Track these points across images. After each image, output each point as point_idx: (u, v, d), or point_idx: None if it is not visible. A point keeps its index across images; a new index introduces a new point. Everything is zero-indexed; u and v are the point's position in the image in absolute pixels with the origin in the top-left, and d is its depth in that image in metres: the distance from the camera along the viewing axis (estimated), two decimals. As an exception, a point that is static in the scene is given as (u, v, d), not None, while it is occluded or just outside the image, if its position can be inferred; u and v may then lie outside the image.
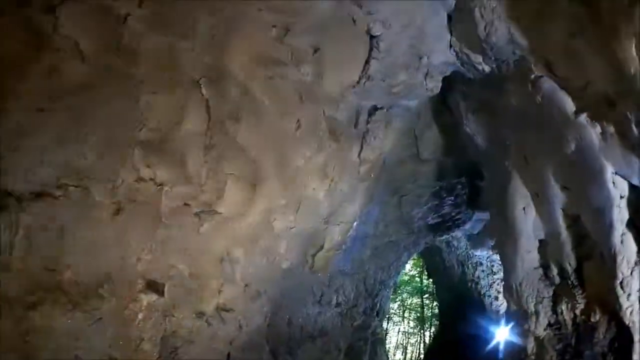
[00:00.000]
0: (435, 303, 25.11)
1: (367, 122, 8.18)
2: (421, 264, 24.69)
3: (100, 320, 4.64)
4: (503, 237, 8.66)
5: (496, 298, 15.98)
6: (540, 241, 7.50)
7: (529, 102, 6.97)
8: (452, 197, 12.25)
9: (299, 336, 9.97)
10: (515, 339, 8.65)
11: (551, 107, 6.59)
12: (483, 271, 16.55)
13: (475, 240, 15.01)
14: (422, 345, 27.02)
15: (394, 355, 27.32)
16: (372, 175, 8.89)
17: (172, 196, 5.23)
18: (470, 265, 17.09)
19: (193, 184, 5.43)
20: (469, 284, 17.27)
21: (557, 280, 7.27)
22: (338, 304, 11.40)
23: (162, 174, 5.13)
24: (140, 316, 5.19)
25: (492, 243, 13.78)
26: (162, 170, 5.11)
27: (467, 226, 13.95)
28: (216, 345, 6.56)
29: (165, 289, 5.49)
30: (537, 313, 7.58)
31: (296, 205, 7.50)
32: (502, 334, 10.54)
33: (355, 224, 9.28)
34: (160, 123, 4.97)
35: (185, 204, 5.42)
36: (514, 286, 8.18)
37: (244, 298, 7.05)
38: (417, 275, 26.62)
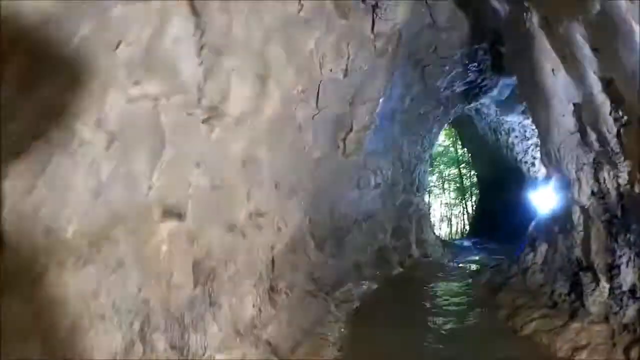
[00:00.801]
0: (472, 172, 25.44)
1: (375, -6, 7.84)
2: (454, 134, 24.81)
3: (120, 267, 4.07)
4: (534, 101, 8.17)
5: (533, 164, 15.71)
6: (575, 105, 7.05)
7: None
8: (475, 64, 11.97)
9: (344, 224, 9.92)
10: (558, 207, 8.42)
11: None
12: (516, 137, 16.31)
13: (505, 106, 14.79)
14: (465, 216, 27.49)
15: (440, 228, 27.32)
16: (390, 50, 8.62)
17: (171, 109, 4.56)
18: (502, 132, 16.96)
19: (191, 90, 4.79)
20: (504, 151, 17.09)
21: (596, 146, 6.68)
22: (377, 185, 11.32)
23: (154, 87, 4.35)
24: (164, 249, 4.68)
25: (522, 108, 13.68)
26: (153, 84, 4.33)
27: (495, 92, 13.71)
28: (256, 256, 6.17)
29: (187, 210, 4.98)
30: (579, 180, 7.18)
31: (315, 90, 7.16)
32: (544, 201, 10.14)
33: (380, 100, 9.19)
34: (139, 34, 4.15)
35: (188, 114, 4.82)
36: (552, 152, 7.75)
37: (277, 198, 6.66)
38: (451, 145, 26.79)
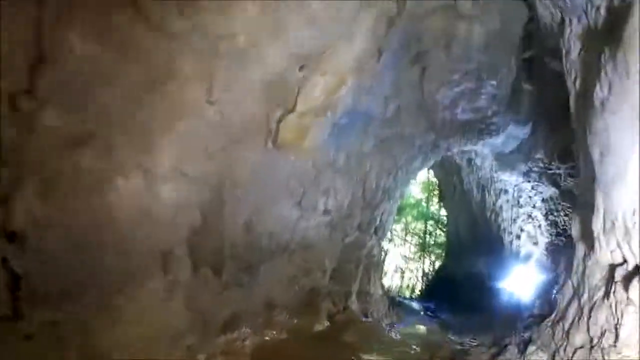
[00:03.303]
0: (438, 232, 25.74)
1: None
2: (430, 187, 24.28)
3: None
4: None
5: (518, 237, 13.44)
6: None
7: None
8: (495, 82, 9.65)
9: (265, 246, 7.74)
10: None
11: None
12: (507, 201, 13.94)
13: (505, 161, 12.79)
14: (421, 272, 26.53)
15: (392, 279, 26.48)
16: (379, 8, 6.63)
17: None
18: (492, 192, 14.70)
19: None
20: (488, 215, 15.01)
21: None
22: (327, 211, 9.17)
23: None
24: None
25: (525, 169, 11.86)
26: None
27: (499, 140, 11.65)
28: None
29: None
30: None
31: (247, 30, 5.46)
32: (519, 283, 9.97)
33: (350, 82, 7.14)
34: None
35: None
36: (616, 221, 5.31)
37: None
38: (423, 200, 26.11)
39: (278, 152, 6.93)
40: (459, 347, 8.81)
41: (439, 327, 11.77)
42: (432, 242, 26.36)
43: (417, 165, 11.77)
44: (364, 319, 10.19)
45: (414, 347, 8.86)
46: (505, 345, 7.23)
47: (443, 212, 24.12)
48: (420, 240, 27.09)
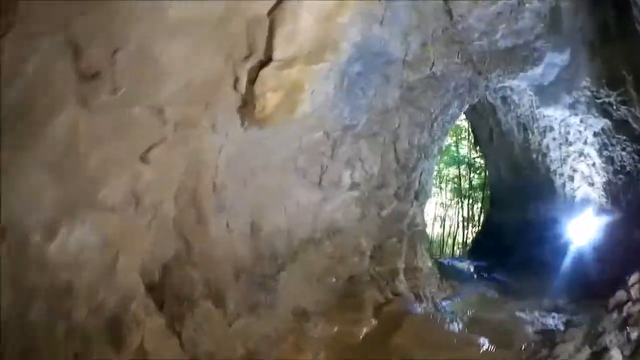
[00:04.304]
0: (473, 175, 25.55)
1: None
2: (458, 129, 23.88)
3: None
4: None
5: (571, 178, 12.10)
6: None
7: None
8: (535, 4, 8.17)
9: (283, 248, 6.59)
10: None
11: None
12: (554, 139, 12.48)
13: (547, 94, 11.39)
14: (460, 217, 26.37)
15: (432, 229, 25.95)
16: None
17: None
18: (536, 131, 13.19)
19: None
20: (534, 156, 13.67)
21: None
22: (354, 185, 7.94)
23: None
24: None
25: (570, 100, 10.51)
26: None
27: (539, 70, 10.16)
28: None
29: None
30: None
31: None
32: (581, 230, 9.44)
33: (355, 4, 5.59)
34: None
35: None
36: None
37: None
38: (453, 144, 25.06)
39: (263, 131, 5.40)
40: (539, 331, 7.32)
41: (501, 296, 10.37)
42: (467, 186, 25.96)
43: (453, 112, 10.05)
44: (417, 308, 8.54)
45: (484, 344, 7.07)
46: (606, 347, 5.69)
47: (474, 154, 24.17)
48: (456, 186, 26.68)
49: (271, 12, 4.84)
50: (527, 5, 7.96)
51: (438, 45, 7.87)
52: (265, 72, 4.95)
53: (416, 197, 9.96)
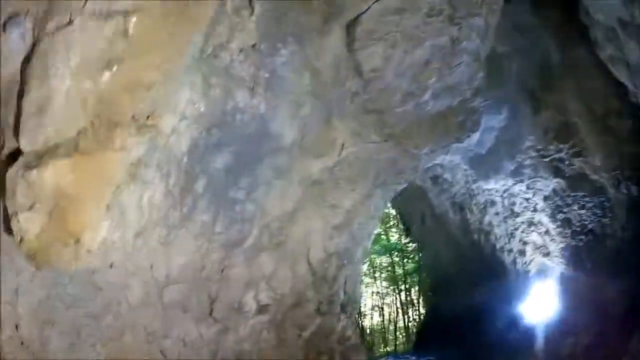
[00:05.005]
0: (406, 260, 25.02)
1: None
2: (386, 218, 23.05)
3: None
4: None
5: (521, 252, 11.48)
6: None
7: None
8: (473, 44, 6.45)
9: None
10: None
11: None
12: (497, 214, 11.86)
13: (485, 165, 10.76)
14: (399, 303, 26.19)
15: (372, 317, 27.15)
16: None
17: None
18: (475, 208, 12.61)
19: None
20: (475, 236, 13.02)
21: None
22: (262, 308, 6.44)
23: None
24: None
25: (513, 166, 10.09)
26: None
27: (475, 137, 8.67)
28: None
29: None
30: None
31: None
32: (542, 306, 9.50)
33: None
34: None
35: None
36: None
37: None
38: (382, 233, 24.60)
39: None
40: None
41: None
42: (402, 272, 26.05)
43: (375, 205, 8.07)
44: None
45: None
46: None
47: (405, 240, 23.56)
48: (390, 274, 26.69)
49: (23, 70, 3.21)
50: (463, 44, 6.17)
51: (347, 120, 6.14)
52: (10, 173, 3.19)
53: (343, 309, 8.14)
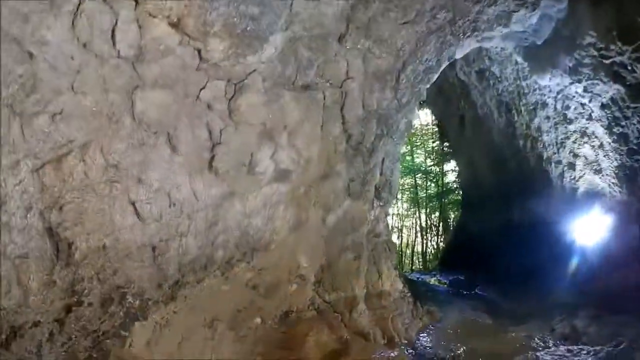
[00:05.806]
0: (430, 183, 24.94)
1: None
2: (411, 137, 23.19)
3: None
4: None
5: (571, 165, 10.43)
6: None
7: None
8: None
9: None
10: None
11: None
12: (548, 118, 10.73)
13: (540, 58, 9.51)
14: (417, 228, 26.40)
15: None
16: None
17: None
18: (523, 109, 11.53)
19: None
20: (521, 143, 12.00)
21: None
22: (281, 173, 5.61)
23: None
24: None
25: (571, 62, 8.85)
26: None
27: (532, 20, 8.42)
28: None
29: None
30: None
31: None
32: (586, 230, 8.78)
33: None
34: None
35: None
36: None
37: None
38: (407, 153, 24.52)
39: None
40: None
41: (495, 320, 8.50)
42: (424, 195, 25.92)
43: (429, 61, 6.92)
44: (387, 354, 5.96)
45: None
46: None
47: (429, 162, 24.26)
48: (412, 195, 26.23)
49: None
50: None
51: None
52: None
53: (377, 195, 7.28)
